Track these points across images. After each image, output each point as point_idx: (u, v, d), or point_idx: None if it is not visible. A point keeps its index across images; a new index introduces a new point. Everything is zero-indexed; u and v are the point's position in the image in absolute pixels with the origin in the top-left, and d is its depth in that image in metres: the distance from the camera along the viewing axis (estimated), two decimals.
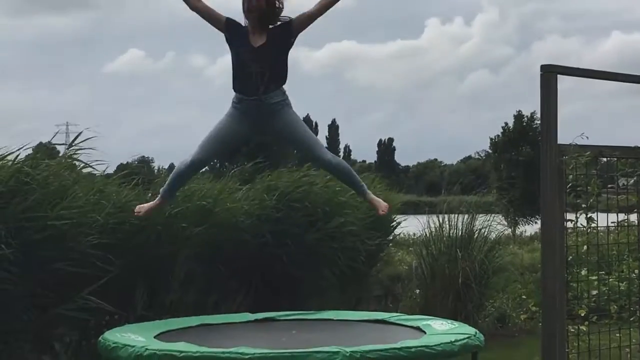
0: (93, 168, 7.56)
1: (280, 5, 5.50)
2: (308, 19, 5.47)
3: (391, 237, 11.62)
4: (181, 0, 5.39)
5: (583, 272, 4.85)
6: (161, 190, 5.74)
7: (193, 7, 5.45)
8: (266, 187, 8.83)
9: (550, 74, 4.40)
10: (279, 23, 5.51)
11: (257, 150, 27.19)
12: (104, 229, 6.97)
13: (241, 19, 5.49)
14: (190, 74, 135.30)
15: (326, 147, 5.86)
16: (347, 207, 9.19)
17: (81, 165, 7.54)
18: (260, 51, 5.43)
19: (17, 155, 6.71)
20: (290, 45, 5.52)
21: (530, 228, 25.72)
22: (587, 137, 4.72)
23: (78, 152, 7.32)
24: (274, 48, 5.48)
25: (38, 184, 6.60)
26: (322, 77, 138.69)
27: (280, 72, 5.54)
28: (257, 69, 5.41)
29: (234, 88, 5.54)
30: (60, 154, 7.36)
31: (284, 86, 5.53)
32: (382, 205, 5.69)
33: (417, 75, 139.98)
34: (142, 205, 5.78)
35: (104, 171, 7.83)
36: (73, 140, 7.14)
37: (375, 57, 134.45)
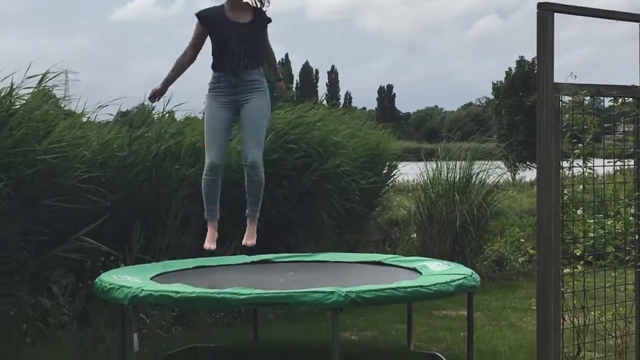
0: (67, 100, 7.76)
1: None
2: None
3: (390, 181, 11.55)
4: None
5: (579, 212, 4.82)
6: (205, 215, 5.91)
7: (192, 58, 5.75)
8: None
9: (547, 12, 4.32)
10: (264, 8, 5.67)
11: None
12: (92, 163, 6.98)
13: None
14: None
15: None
16: (340, 147, 9.12)
17: (60, 102, 7.62)
18: (244, 28, 5.58)
19: None
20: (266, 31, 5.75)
21: (530, 174, 25.64)
22: (575, 76, 4.67)
23: (53, 87, 7.29)
24: (258, 27, 5.67)
25: (22, 114, 6.55)
26: (331, 24, 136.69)
27: (260, 52, 5.72)
28: (239, 45, 5.54)
29: (213, 68, 5.67)
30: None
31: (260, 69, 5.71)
32: None
33: (425, 21, 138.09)
34: (208, 240, 5.91)
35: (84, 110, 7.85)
36: (43, 76, 7.05)
37: (386, 2, 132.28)
